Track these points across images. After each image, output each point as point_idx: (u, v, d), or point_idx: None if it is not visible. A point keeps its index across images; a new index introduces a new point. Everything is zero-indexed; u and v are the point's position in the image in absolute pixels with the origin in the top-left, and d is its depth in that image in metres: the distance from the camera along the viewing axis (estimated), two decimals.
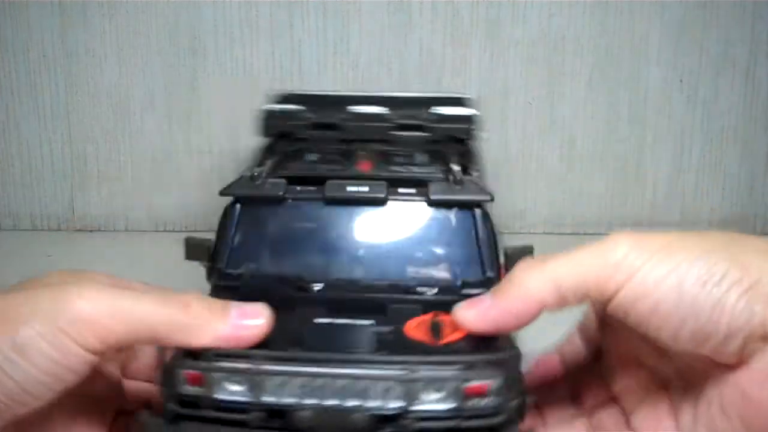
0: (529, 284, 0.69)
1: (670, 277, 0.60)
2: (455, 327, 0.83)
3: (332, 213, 1.07)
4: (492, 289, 0.76)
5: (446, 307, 0.88)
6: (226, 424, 0.80)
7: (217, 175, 1.82)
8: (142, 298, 0.67)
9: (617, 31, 1.80)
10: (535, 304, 0.69)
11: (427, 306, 0.91)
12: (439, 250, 1.05)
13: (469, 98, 1.38)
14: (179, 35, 1.79)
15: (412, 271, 1.00)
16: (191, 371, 0.77)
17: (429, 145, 1.24)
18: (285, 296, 0.94)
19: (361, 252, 1.03)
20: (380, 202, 1.02)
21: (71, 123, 1.83)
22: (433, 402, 0.79)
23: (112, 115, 1.83)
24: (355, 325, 0.86)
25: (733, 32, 1.80)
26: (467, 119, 1.28)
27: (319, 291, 0.96)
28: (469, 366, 0.79)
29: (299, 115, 1.29)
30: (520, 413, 0.81)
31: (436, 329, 0.85)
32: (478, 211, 1.03)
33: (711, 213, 1.90)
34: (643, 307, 0.61)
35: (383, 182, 1.03)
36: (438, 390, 0.79)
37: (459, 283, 0.98)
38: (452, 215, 1.05)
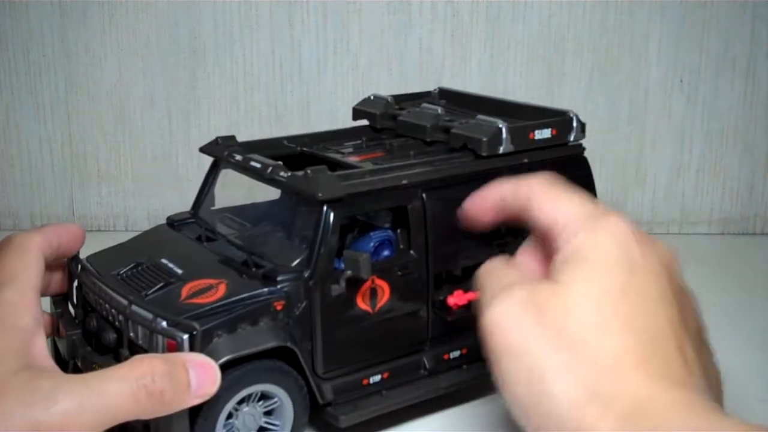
0: None
1: None
2: (211, 295, 0.99)
3: (254, 184, 1.21)
4: None
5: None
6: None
7: None
8: (111, 391, 0.80)
9: (617, 31, 1.80)
10: None
11: (232, 275, 1.04)
12: (283, 235, 1.15)
13: (565, 113, 1.30)
14: (179, 35, 1.79)
15: (257, 246, 1.10)
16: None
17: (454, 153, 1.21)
18: (194, 240, 1.15)
19: (249, 222, 1.19)
20: (272, 182, 1.12)
21: (71, 123, 1.83)
22: (140, 339, 0.98)
23: (112, 115, 1.83)
24: (169, 271, 1.05)
25: (733, 32, 1.80)
26: (486, 133, 1.18)
27: (209, 241, 1.14)
28: (174, 323, 0.95)
29: (380, 107, 1.39)
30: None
31: (200, 292, 1.00)
32: (323, 208, 1.04)
33: (711, 213, 1.90)
34: None
35: (280, 163, 1.12)
36: (142, 329, 0.97)
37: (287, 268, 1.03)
38: (302, 206, 1.14)
